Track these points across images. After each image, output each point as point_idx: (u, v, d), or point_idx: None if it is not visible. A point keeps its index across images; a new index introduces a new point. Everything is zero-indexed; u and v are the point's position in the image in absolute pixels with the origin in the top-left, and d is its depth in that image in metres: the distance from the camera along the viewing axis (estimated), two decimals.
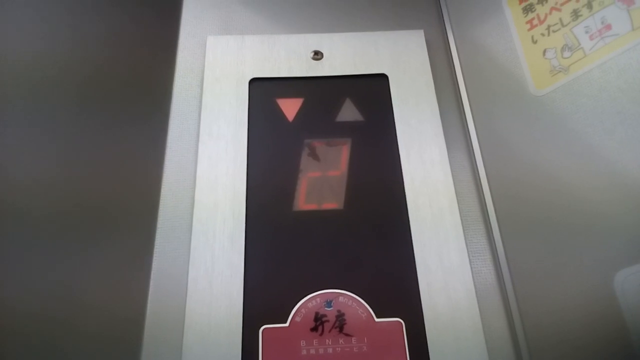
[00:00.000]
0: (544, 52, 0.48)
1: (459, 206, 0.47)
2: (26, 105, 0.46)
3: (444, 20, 0.58)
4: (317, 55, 0.55)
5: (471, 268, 0.44)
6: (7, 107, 0.45)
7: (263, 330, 0.42)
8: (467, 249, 0.45)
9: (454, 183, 0.48)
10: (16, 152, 0.44)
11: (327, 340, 0.42)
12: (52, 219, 0.44)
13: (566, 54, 0.46)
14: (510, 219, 0.47)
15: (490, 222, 0.48)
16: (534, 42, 0.49)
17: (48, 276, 0.42)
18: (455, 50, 0.56)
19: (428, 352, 0.41)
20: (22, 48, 0.47)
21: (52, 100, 0.47)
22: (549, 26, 0.49)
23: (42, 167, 0.45)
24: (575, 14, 0.46)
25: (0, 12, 0.46)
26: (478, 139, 0.51)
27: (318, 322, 0.42)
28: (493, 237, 0.47)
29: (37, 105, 0.46)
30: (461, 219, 0.46)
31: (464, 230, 0.46)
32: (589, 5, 0.46)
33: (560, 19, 0.48)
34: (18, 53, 0.47)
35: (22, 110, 0.45)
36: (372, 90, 0.53)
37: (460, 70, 0.55)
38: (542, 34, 0.49)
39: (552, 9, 0.48)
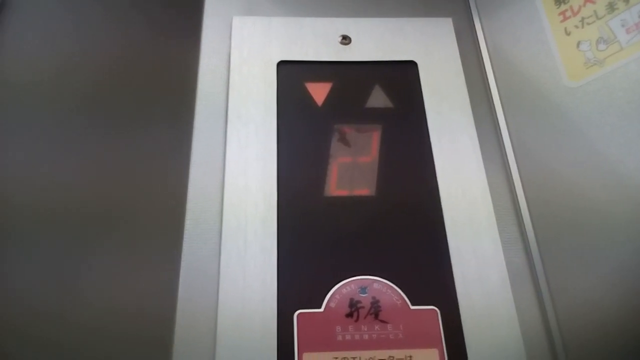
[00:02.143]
0: (578, 44, 0.48)
1: (491, 196, 0.47)
2: (50, 109, 0.45)
3: (470, 10, 0.58)
4: (345, 39, 0.54)
5: (504, 257, 0.44)
6: (30, 112, 0.44)
7: (298, 315, 0.41)
8: (500, 238, 0.45)
9: (486, 172, 0.48)
10: (46, 155, 0.43)
11: (362, 327, 0.41)
12: (76, 215, 0.43)
13: (601, 46, 0.46)
14: (542, 209, 0.47)
15: (521, 212, 0.48)
16: (567, 33, 0.49)
17: (75, 277, 0.41)
18: (484, 40, 0.56)
19: (464, 340, 0.41)
20: (44, 53, 0.47)
21: (78, 95, 0.46)
22: (583, 18, 0.49)
23: (67, 160, 0.44)
24: (611, 7, 0.46)
25: (21, 21, 0.46)
26: (508, 129, 0.51)
27: (353, 308, 0.42)
28: (524, 227, 0.47)
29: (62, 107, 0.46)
30: (494, 209, 0.46)
31: (496, 219, 0.46)
32: None
33: (595, 12, 0.48)
34: (39, 58, 0.46)
35: (49, 116, 0.45)
36: (402, 77, 0.53)
37: (488, 60, 0.55)
38: (576, 26, 0.49)
39: (587, 1, 0.48)
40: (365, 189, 0.47)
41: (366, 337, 0.41)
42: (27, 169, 0.44)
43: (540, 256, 0.46)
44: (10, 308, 0.39)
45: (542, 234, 0.47)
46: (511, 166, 0.49)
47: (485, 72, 0.54)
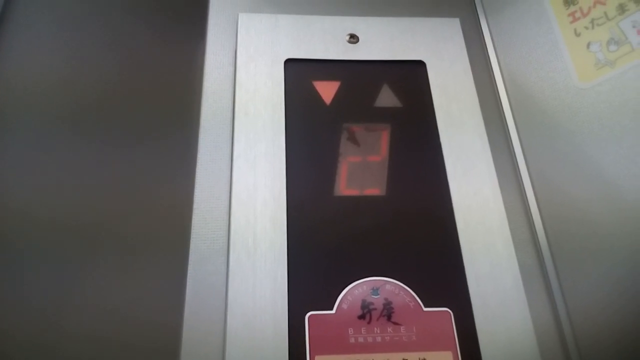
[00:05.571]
0: (588, 45, 0.48)
1: (502, 196, 0.46)
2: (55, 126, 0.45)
3: (477, 11, 0.58)
4: (353, 38, 0.54)
5: (517, 258, 0.44)
6: (35, 120, 0.44)
7: (309, 317, 0.40)
8: (512, 239, 0.44)
9: (496, 172, 0.47)
10: (52, 161, 0.43)
11: (375, 329, 0.40)
12: (82, 220, 0.43)
13: (612, 47, 0.46)
14: (553, 211, 0.47)
15: (531, 212, 0.47)
16: (577, 34, 0.49)
17: (82, 284, 0.41)
18: (491, 41, 0.56)
19: (478, 343, 0.40)
20: (48, 56, 0.46)
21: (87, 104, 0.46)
22: (593, 19, 0.48)
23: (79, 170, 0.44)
24: (622, 8, 0.46)
25: (26, 41, 0.45)
26: (517, 129, 0.51)
27: (365, 310, 0.41)
28: (535, 227, 0.47)
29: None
30: (505, 209, 0.46)
31: (508, 220, 0.45)
32: (636, 0, 0.46)
33: (605, 13, 0.47)
34: (39, 64, 0.46)
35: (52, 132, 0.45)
36: (410, 77, 0.52)
37: (496, 60, 0.55)
38: (586, 27, 0.49)
39: (596, 2, 0.48)
40: (375, 189, 0.46)
41: (379, 339, 0.40)
42: (33, 178, 0.43)
43: (551, 257, 0.45)
44: (18, 317, 0.38)
45: (553, 234, 0.46)
46: (520, 166, 0.49)
47: (493, 73, 0.54)
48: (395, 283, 0.42)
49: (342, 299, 0.41)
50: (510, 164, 0.50)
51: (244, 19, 0.53)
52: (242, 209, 0.44)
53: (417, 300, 0.42)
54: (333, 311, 0.41)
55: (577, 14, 0.50)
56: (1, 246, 0.42)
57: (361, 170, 0.47)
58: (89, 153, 0.46)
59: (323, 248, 0.43)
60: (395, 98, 0.51)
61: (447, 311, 0.42)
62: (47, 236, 0.43)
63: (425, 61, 0.53)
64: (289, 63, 0.51)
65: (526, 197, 0.48)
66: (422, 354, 0.40)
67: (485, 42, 0.56)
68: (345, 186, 0.46)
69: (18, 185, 0.44)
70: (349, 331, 0.40)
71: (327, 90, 0.50)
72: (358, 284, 0.42)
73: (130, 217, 0.45)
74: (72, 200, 0.44)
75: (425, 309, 0.42)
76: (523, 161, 0.50)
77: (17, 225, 0.43)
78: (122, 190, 0.45)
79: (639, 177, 0.41)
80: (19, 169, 0.45)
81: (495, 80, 0.54)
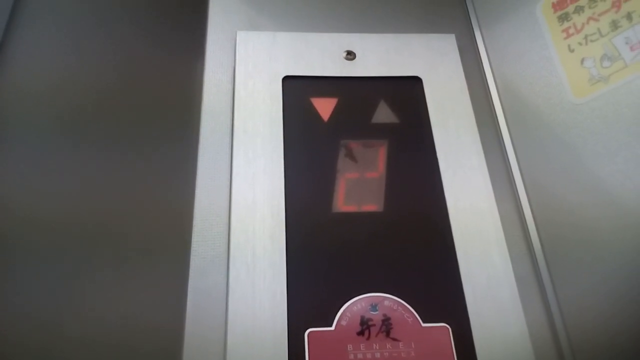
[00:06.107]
0: (582, 61, 0.49)
1: (498, 209, 0.47)
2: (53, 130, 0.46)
3: (472, 27, 0.59)
4: (350, 55, 0.54)
5: (514, 272, 0.44)
6: (37, 130, 0.44)
7: (309, 334, 0.41)
8: (509, 252, 0.45)
9: (492, 187, 0.48)
10: (54, 172, 0.43)
11: (374, 345, 0.41)
12: (83, 232, 0.43)
13: (606, 63, 0.47)
14: (549, 223, 0.47)
15: (527, 227, 0.48)
16: (571, 50, 0.50)
17: (82, 294, 0.41)
18: (486, 56, 0.57)
19: (477, 358, 0.41)
20: (50, 73, 0.47)
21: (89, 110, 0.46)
22: (586, 36, 0.49)
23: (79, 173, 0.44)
24: (615, 25, 0.47)
25: (26, 43, 0.46)
26: (513, 144, 0.51)
27: (364, 326, 0.41)
28: (531, 241, 0.47)
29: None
30: (502, 223, 0.46)
31: (504, 233, 0.46)
32: (629, 17, 0.46)
33: (599, 29, 0.48)
34: (43, 77, 0.46)
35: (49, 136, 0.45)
36: (407, 93, 0.53)
37: (491, 76, 0.55)
38: (580, 43, 0.49)
39: (590, 18, 0.49)
40: (373, 205, 0.47)
41: (378, 355, 0.40)
42: (34, 186, 0.43)
43: (547, 268, 0.46)
44: (19, 324, 0.38)
45: (548, 246, 0.47)
46: (516, 180, 0.50)
47: (489, 88, 0.55)
48: (393, 299, 0.43)
49: (341, 315, 0.42)
50: (507, 178, 0.51)
51: (242, 37, 0.54)
52: (241, 226, 0.44)
53: (415, 316, 0.42)
54: (332, 327, 0.41)
55: (571, 30, 0.50)
56: (2, 251, 0.42)
57: (359, 187, 0.48)
58: (88, 170, 0.46)
59: (322, 265, 0.44)
60: (392, 114, 0.51)
61: (445, 326, 0.42)
62: (48, 244, 0.43)
63: (421, 77, 0.53)
64: (287, 80, 0.52)
65: (522, 211, 0.49)
66: None
67: (480, 58, 0.57)
68: (343, 202, 0.47)
69: (19, 190, 0.45)
70: (348, 347, 0.40)
71: (324, 106, 0.51)
72: (357, 300, 0.42)
73: (130, 232, 0.45)
74: (72, 209, 0.44)
75: (424, 325, 0.42)
76: (519, 175, 0.50)
77: (17, 233, 0.43)
78: (122, 207, 0.45)
79: (634, 190, 0.42)
80: (20, 175, 0.45)
81: (490, 96, 0.55)
